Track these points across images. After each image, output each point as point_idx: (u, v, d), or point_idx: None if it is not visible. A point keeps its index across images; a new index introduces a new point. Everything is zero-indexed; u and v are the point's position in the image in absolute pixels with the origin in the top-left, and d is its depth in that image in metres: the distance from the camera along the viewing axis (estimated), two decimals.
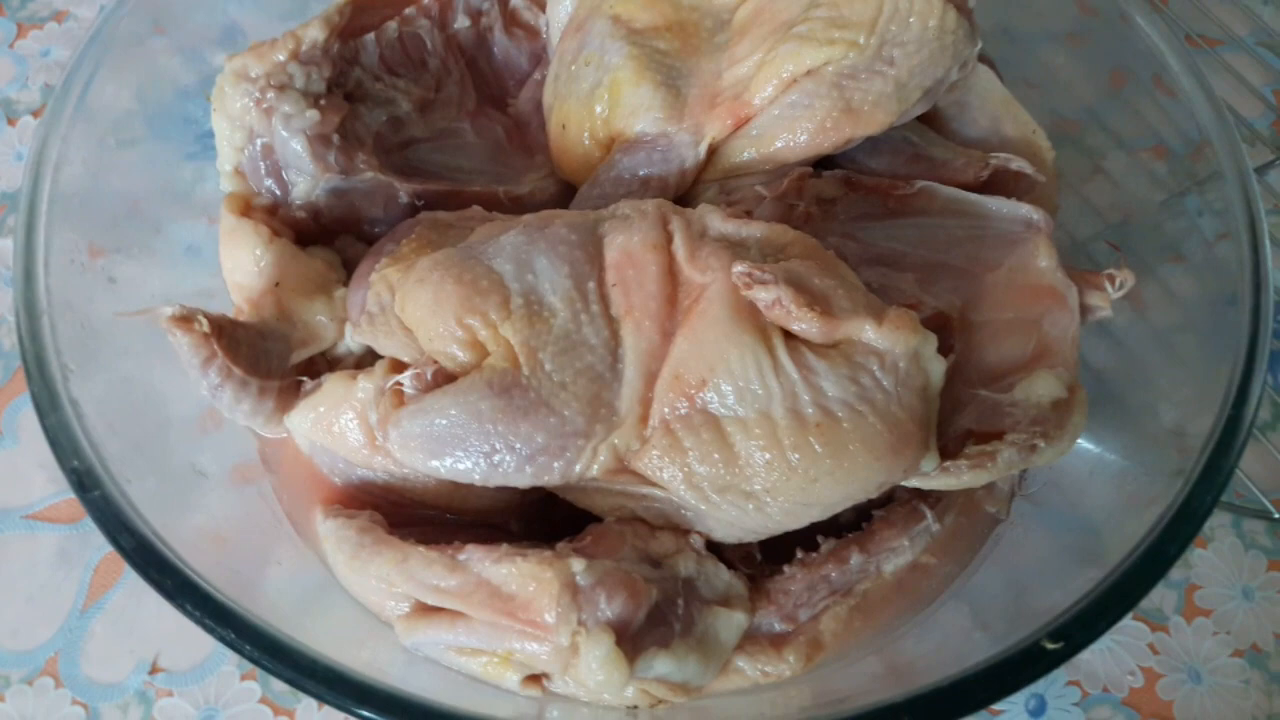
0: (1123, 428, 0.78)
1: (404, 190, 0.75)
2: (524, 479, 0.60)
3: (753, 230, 0.65)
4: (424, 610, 0.62)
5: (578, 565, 0.58)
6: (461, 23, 0.83)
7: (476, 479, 0.60)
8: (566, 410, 0.60)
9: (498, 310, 0.61)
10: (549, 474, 0.60)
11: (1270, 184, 1.06)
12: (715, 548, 0.65)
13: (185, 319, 0.64)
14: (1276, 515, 0.86)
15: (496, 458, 0.60)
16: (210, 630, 0.52)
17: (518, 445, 0.59)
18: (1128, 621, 0.84)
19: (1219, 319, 0.73)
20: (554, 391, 0.60)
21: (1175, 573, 0.86)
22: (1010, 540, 0.74)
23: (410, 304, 0.63)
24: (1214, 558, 0.87)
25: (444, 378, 0.61)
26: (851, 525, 0.68)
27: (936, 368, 0.61)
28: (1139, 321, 0.82)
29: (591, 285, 0.62)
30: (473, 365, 0.61)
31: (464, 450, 0.60)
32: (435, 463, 0.60)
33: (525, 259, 0.63)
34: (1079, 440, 0.67)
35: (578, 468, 0.60)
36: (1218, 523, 0.88)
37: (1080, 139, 0.95)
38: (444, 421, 0.59)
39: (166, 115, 0.93)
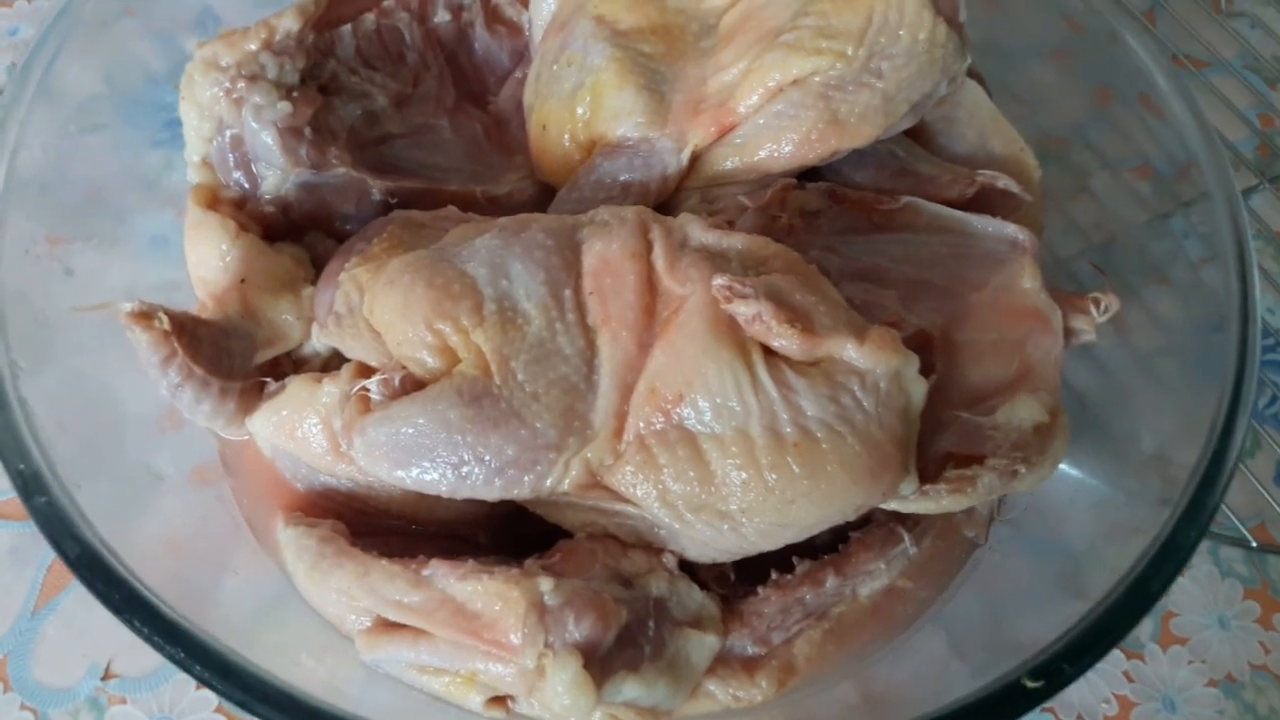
0: (1105, 454, 0.77)
1: (377, 187, 0.73)
2: (492, 492, 0.58)
3: (734, 242, 0.63)
4: (385, 626, 0.60)
5: (546, 585, 0.56)
6: (442, 17, 0.81)
7: (443, 490, 0.58)
8: (538, 422, 0.58)
9: (470, 316, 0.59)
10: (519, 487, 0.58)
11: (1255, 209, 1.06)
12: (688, 567, 0.63)
13: (145, 315, 0.62)
14: (1254, 544, 0.85)
15: (465, 469, 0.57)
16: (158, 648, 0.50)
17: (487, 457, 0.57)
18: None
19: (1204, 344, 0.72)
20: (526, 402, 0.58)
21: None
22: (989, 566, 0.72)
23: (379, 307, 0.61)
24: (1191, 585, 0.86)
25: (412, 384, 0.59)
26: (828, 547, 0.67)
27: (918, 389, 0.60)
28: (1122, 345, 0.81)
29: (568, 293, 0.60)
30: (442, 372, 0.59)
31: (431, 461, 0.57)
32: (401, 473, 0.58)
33: (500, 263, 0.61)
34: (1061, 465, 0.66)
35: (548, 481, 0.59)
36: (1195, 550, 0.87)
37: (1066, 156, 0.94)
38: (411, 430, 0.57)
39: (135, 100, 0.91)
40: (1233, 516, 0.86)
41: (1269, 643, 0.84)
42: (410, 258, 0.62)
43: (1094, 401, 0.80)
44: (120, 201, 0.85)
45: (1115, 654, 0.83)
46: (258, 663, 0.52)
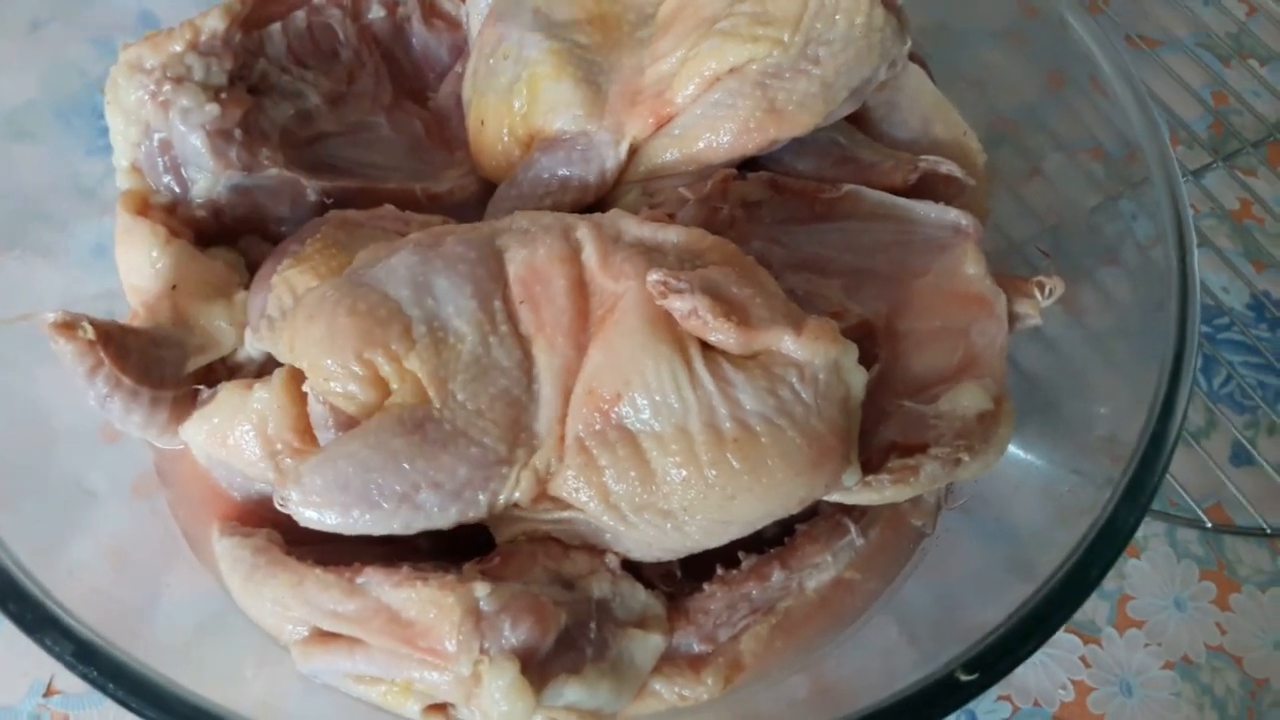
0: (1055, 435, 0.77)
1: (312, 187, 0.72)
2: (448, 518, 0.57)
3: (669, 235, 0.62)
4: (321, 636, 0.58)
5: (481, 590, 0.55)
6: (376, 13, 0.80)
7: (396, 526, 0.56)
8: (486, 438, 0.56)
9: (400, 341, 0.57)
10: (474, 508, 0.57)
11: (1207, 187, 1.05)
12: (633, 565, 0.62)
13: (68, 325, 0.61)
14: (1209, 524, 0.85)
15: (420, 496, 0.56)
16: (71, 668, 0.48)
17: (441, 480, 0.56)
18: (1060, 634, 0.82)
19: (1150, 324, 0.72)
20: (470, 420, 0.56)
21: (1108, 583, 0.85)
22: (939, 552, 0.72)
23: (301, 342, 0.58)
24: (1147, 567, 0.86)
25: (344, 423, 0.58)
26: (774, 540, 0.66)
27: (857, 379, 0.59)
28: (1074, 326, 0.80)
29: (498, 304, 0.59)
30: (374, 405, 0.57)
31: (382, 495, 0.55)
32: (353, 514, 0.55)
33: (423, 281, 0.59)
34: (1010, 448, 0.65)
35: (502, 497, 0.57)
36: (1151, 532, 0.87)
37: (1018, 139, 0.94)
38: (354, 468, 0.55)
39: (73, 106, 0.89)
40: (1188, 497, 0.86)
41: (1225, 623, 0.84)
42: (325, 288, 0.59)
43: (1045, 382, 0.79)
44: (58, 210, 0.84)
45: (1072, 639, 0.83)
46: (184, 682, 0.50)
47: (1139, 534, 0.87)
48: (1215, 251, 1.01)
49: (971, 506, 0.72)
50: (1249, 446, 0.90)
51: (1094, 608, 0.84)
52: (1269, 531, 0.85)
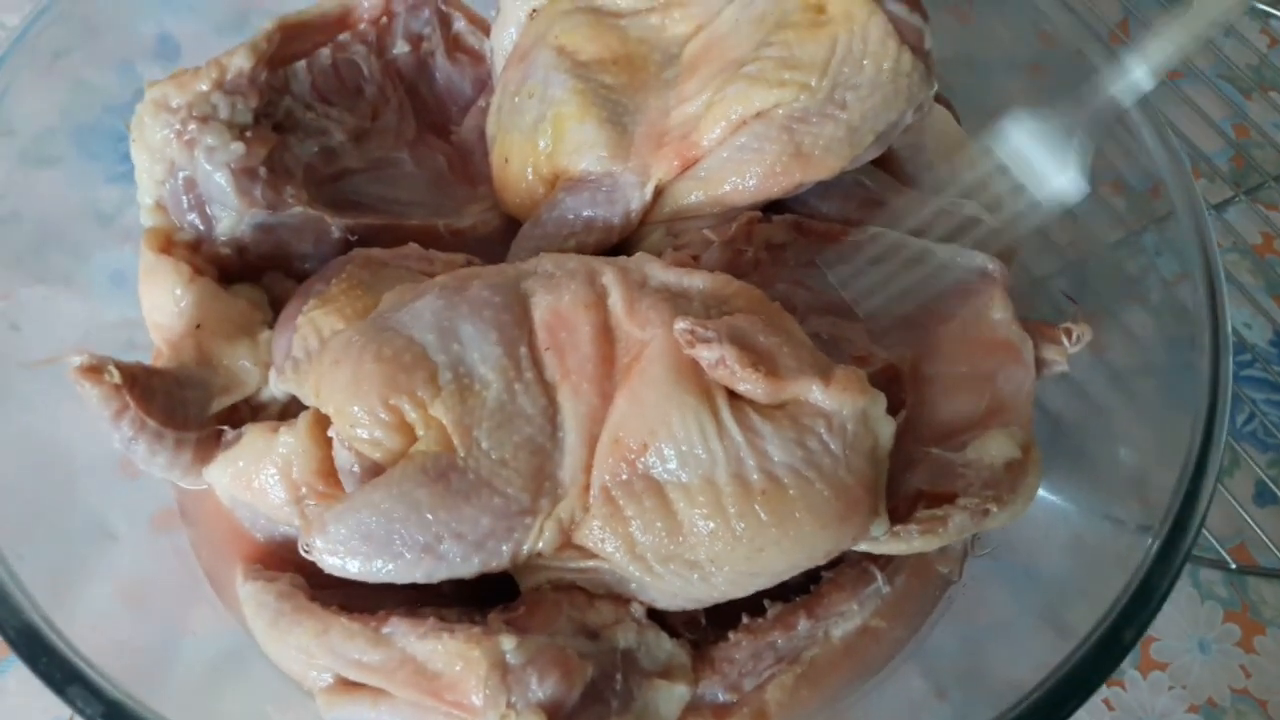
0: (1082, 478, 0.76)
1: (336, 225, 0.72)
2: (471, 568, 0.56)
3: (695, 281, 0.62)
4: (346, 685, 0.58)
5: (508, 643, 0.54)
6: (401, 48, 0.80)
7: (419, 576, 0.56)
8: (510, 488, 0.56)
9: (426, 387, 0.57)
10: (497, 559, 0.57)
11: (1229, 221, 1.05)
12: (658, 613, 0.62)
13: (94, 369, 0.61)
14: (1233, 565, 0.85)
15: (443, 547, 0.56)
16: None
17: (463, 531, 0.56)
18: None
19: (1179, 362, 0.71)
20: (494, 470, 0.56)
21: None
22: (967, 600, 0.71)
23: (326, 388, 0.58)
24: (1170, 609, 0.85)
25: (371, 472, 0.57)
26: (800, 587, 0.65)
27: (885, 429, 0.59)
28: (1099, 364, 0.80)
29: (523, 350, 0.59)
30: (400, 451, 0.57)
31: (404, 545, 0.55)
32: (375, 564, 0.55)
33: (449, 326, 0.59)
34: (1039, 491, 0.65)
35: (525, 547, 0.57)
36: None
37: None
38: (377, 518, 0.55)
39: (93, 132, 0.89)
40: (1211, 538, 0.86)
41: (1250, 666, 0.84)
42: (351, 333, 0.59)
43: (1070, 423, 0.79)
44: (78, 238, 0.84)
45: None
46: None
47: None
48: (1238, 287, 1.00)
49: (999, 552, 0.71)
50: (1273, 486, 0.89)
51: None
52: None
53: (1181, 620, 0.85)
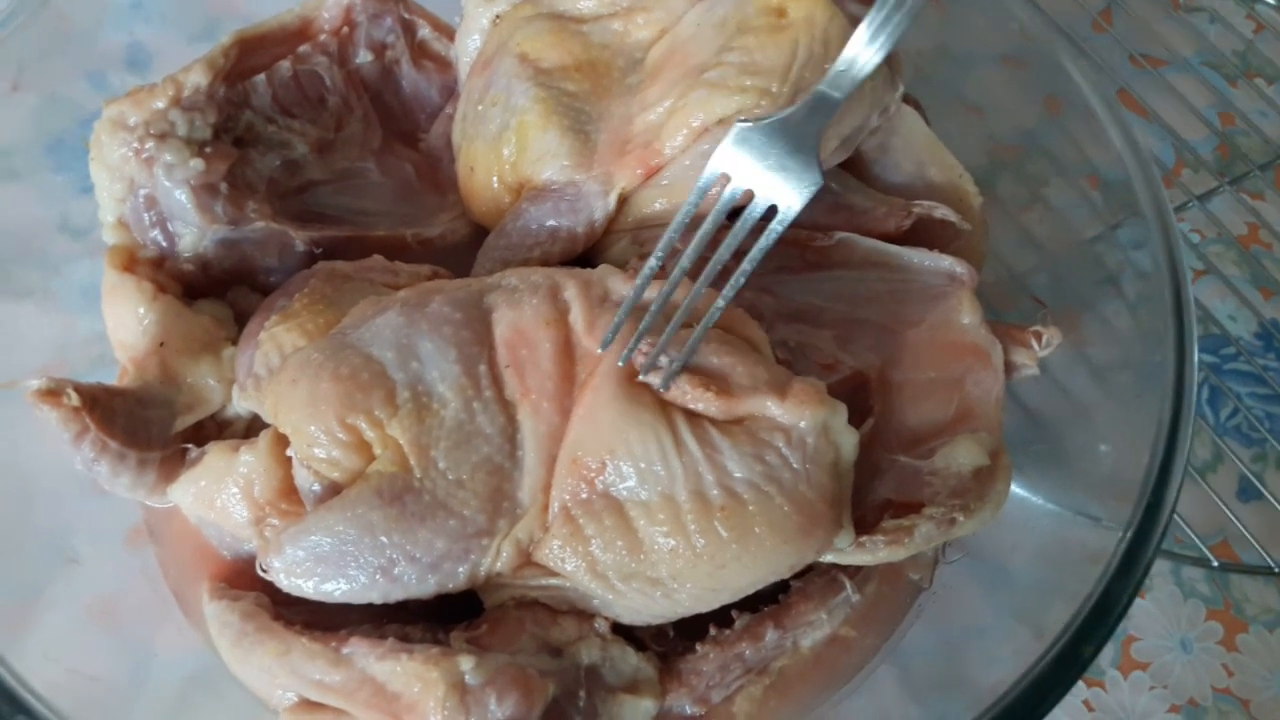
0: (1058, 475, 0.75)
1: (300, 238, 0.71)
2: (427, 589, 0.56)
3: (655, 293, 0.61)
4: (309, 705, 0.58)
5: (467, 664, 0.54)
6: (364, 58, 0.79)
7: (375, 597, 0.56)
8: (466, 509, 0.56)
9: (383, 406, 0.56)
10: (453, 580, 0.57)
11: (1214, 211, 1.04)
12: (625, 626, 0.61)
13: (53, 393, 0.60)
14: (1215, 563, 0.84)
15: (397, 570, 0.56)
16: None
17: (418, 554, 0.56)
18: None
19: (1152, 357, 0.71)
20: (451, 491, 0.56)
21: None
22: (942, 600, 0.71)
23: (284, 407, 0.58)
24: (1152, 607, 0.85)
25: (329, 490, 0.57)
26: (768, 597, 0.65)
27: (848, 440, 0.58)
28: (1076, 358, 0.79)
29: (483, 368, 0.58)
30: (358, 472, 0.57)
31: (359, 567, 0.55)
32: (328, 586, 0.56)
33: (408, 344, 0.58)
34: (1015, 488, 0.64)
35: (483, 568, 0.57)
36: (1156, 570, 0.86)
37: (1018, 166, 0.92)
38: (331, 540, 0.55)
39: (64, 143, 0.88)
40: (1194, 535, 0.85)
41: (1232, 664, 0.83)
42: (310, 351, 0.59)
43: (1048, 418, 0.78)
44: (49, 251, 0.83)
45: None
46: None
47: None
48: (1222, 279, 0.99)
49: (975, 551, 0.71)
50: (1256, 481, 0.88)
51: None
52: (1276, 570, 0.84)
53: (1164, 619, 0.84)
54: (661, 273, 0.66)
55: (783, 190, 0.57)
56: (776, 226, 0.57)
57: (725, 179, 0.59)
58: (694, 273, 0.66)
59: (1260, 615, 0.85)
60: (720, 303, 0.58)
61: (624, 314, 0.58)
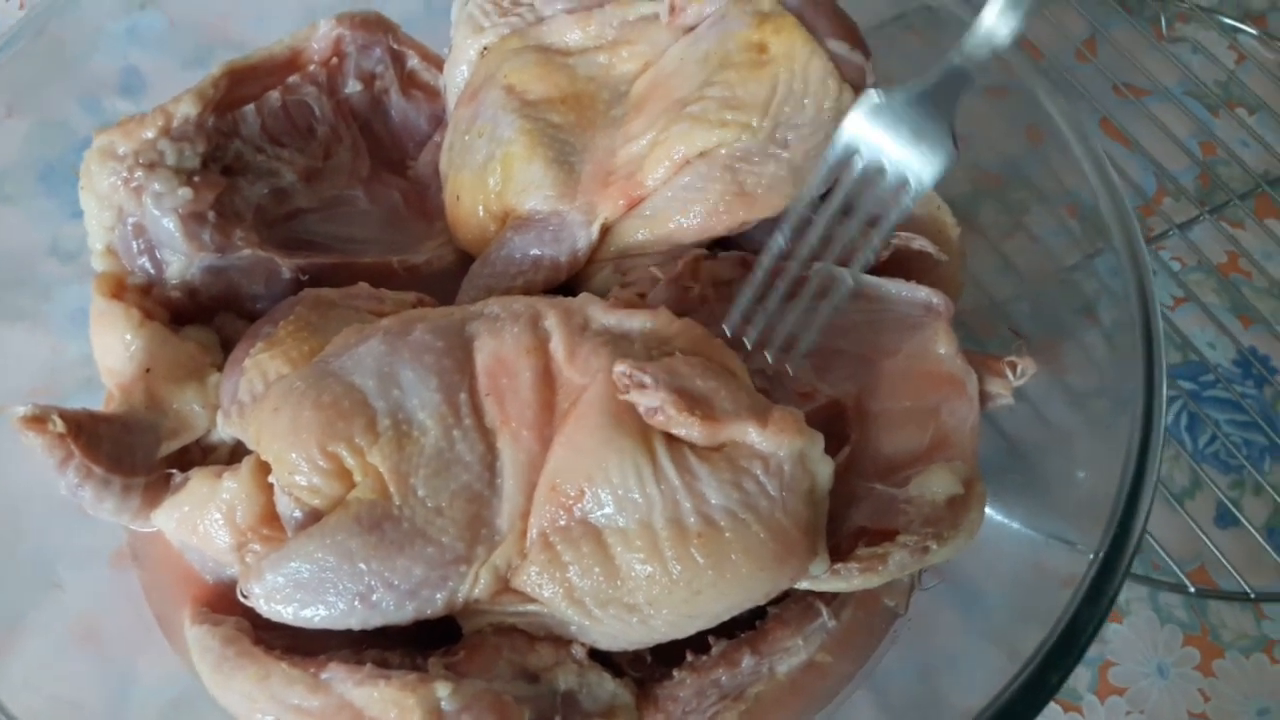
0: (1035, 500, 0.76)
1: (286, 265, 0.72)
2: (405, 615, 0.57)
3: (635, 322, 0.62)
4: None
5: (443, 690, 0.55)
6: (353, 87, 0.80)
7: (354, 624, 0.57)
8: (444, 537, 0.57)
9: (364, 434, 0.57)
10: (431, 606, 0.57)
11: (1194, 240, 1.05)
12: (602, 652, 0.62)
13: (38, 419, 0.61)
14: (1192, 589, 0.85)
15: (375, 597, 0.56)
16: None
17: (396, 581, 0.56)
18: None
19: (1130, 385, 0.72)
20: (429, 518, 0.57)
21: (1090, 649, 0.84)
22: (918, 624, 0.72)
23: (266, 435, 0.59)
24: (1129, 632, 0.86)
25: (310, 517, 0.58)
26: (745, 623, 0.66)
27: (824, 469, 0.59)
28: (1054, 385, 0.80)
29: (463, 396, 0.59)
30: (338, 499, 0.58)
31: (338, 594, 0.56)
32: (307, 612, 0.57)
33: (389, 372, 0.59)
34: (992, 513, 0.65)
35: (461, 595, 0.58)
36: (1133, 595, 0.87)
37: (1000, 194, 0.93)
38: (310, 567, 0.56)
39: (57, 167, 0.89)
40: (1170, 561, 0.86)
41: (1209, 690, 0.84)
42: (293, 380, 0.60)
43: (1025, 444, 0.79)
44: (39, 275, 0.84)
45: (1052, 707, 0.82)
46: None
47: (1121, 598, 0.86)
48: (1201, 307, 1.00)
49: (951, 576, 0.71)
50: (1233, 508, 0.89)
51: (1075, 674, 0.83)
52: (1253, 596, 0.85)
53: (1141, 644, 0.85)
54: (644, 298, 0.68)
55: (916, 162, 0.59)
56: (907, 201, 0.59)
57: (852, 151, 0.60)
58: (677, 301, 0.68)
59: (1236, 641, 0.86)
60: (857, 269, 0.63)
61: (750, 298, 0.64)
